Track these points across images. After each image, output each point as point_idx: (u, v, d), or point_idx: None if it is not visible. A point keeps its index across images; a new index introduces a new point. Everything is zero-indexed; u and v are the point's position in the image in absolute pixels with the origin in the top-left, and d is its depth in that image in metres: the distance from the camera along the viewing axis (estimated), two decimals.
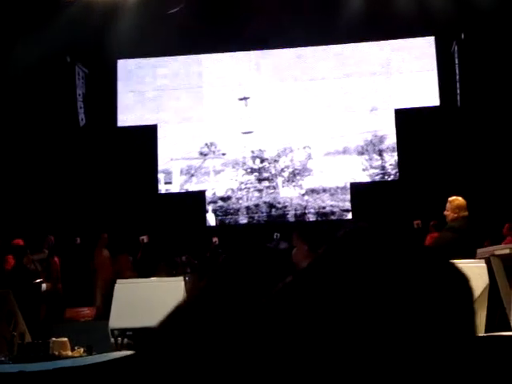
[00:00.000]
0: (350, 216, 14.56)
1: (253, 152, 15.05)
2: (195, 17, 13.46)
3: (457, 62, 14.13)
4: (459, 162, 13.49)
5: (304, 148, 14.88)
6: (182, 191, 15.22)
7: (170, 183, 15.23)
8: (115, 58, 14.99)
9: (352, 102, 14.81)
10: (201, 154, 15.20)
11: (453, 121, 13.84)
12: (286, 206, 14.80)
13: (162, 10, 13.36)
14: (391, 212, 13.30)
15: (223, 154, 15.18)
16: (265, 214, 14.87)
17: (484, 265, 6.11)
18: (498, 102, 13.20)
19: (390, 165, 14.64)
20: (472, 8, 12.61)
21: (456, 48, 14.15)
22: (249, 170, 15.06)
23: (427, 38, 14.57)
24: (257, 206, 14.93)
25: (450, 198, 7.49)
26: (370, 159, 14.73)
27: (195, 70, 15.31)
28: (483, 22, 12.99)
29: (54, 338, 5.52)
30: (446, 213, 7.39)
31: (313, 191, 14.76)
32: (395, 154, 14.62)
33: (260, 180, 14.99)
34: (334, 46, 14.90)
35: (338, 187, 14.68)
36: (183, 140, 15.19)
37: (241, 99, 15.18)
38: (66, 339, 5.54)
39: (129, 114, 15.19)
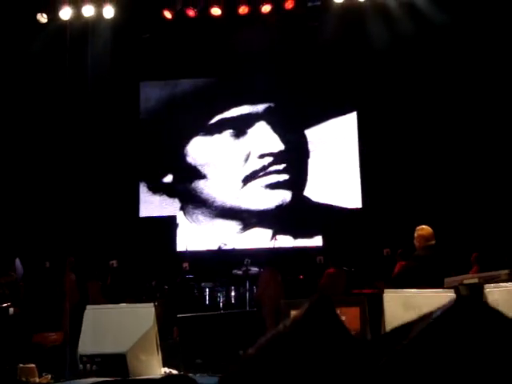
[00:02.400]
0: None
1: None
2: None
3: None
4: (428, 191, 13.65)
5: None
6: (153, 216, 15.18)
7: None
8: None
9: None
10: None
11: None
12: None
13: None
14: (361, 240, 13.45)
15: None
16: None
17: (453, 294, 6.18)
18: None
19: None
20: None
21: None
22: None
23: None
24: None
25: (417, 228, 7.62)
26: None
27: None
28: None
29: (21, 364, 5.46)
30: (414, 242, 7.52)
31: None
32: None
33: None
34: None
35: None
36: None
37: None
38: (33, 365, 5.47)
39: None
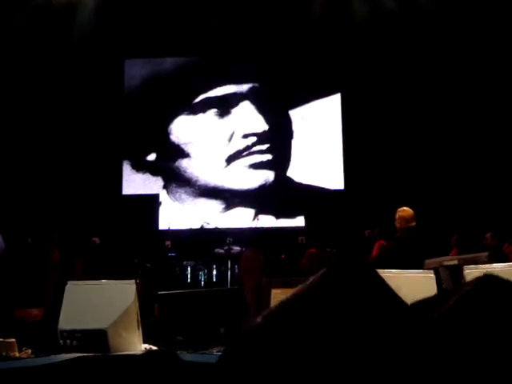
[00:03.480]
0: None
1: None
2: None
3: None
4: (410, 173, 13.72)
5: None
6: (136, 194, 15.18)
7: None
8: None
9: None
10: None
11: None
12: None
13: None
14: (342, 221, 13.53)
15: None
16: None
17: (433, 275, 6.22)
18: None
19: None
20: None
21: None
22: None
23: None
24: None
25: (398, 209, 7.67)
26: None
27: None
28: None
29: (1, 339, 5.47)
30: (395, 223, 7.57)
31: None
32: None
33: None
34: None
35: None
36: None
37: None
38: (13, 340, 5.48)
39: None
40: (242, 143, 15.01)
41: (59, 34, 12.55)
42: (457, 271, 6.45)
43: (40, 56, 13.75)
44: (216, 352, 4.23)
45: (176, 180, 15.18)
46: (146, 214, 14.83)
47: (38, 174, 14.16)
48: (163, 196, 15.14)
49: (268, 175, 14.95)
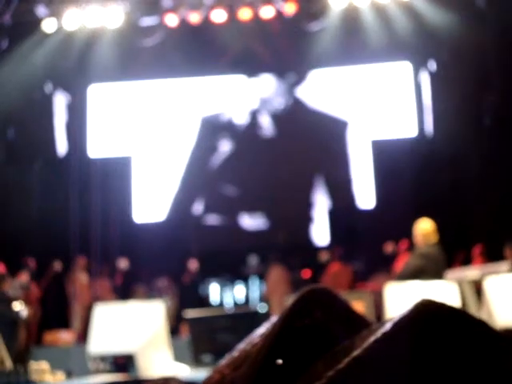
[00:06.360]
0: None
1: None
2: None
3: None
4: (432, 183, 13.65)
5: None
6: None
7: None
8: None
9: None
10: None
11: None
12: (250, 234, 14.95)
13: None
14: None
15: None
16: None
17: (456, 286, 6.27)
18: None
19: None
20: (442, 36, 12.93)
21: (422, 77, 14.50)
22: None
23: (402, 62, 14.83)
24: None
25: (416, 223, 7.63)
26: None
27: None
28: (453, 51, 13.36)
29: (33, 363, 5.58)
30: (415, 236, 7.57)
31: None
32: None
33: None
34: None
35: None
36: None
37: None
38: (45, 364, 5.60)
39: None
40: None
41: None
42: (479, 283, 6.49)
43: None
44: None
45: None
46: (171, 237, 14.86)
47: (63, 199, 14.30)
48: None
49: None
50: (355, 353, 0.72)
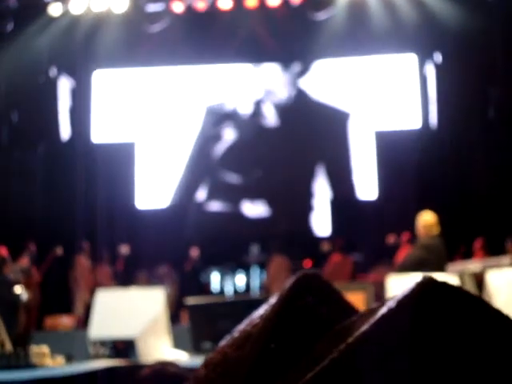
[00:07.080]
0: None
1: None
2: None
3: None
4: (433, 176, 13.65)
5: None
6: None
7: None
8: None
9: None
10: None
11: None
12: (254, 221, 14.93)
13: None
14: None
15: None
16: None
17: (457, 279, 6.27)
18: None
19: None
20: (448, 27, 12.91)
21: (427, 68, 14.46)
22: None
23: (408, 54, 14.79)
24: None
25: (419, 215, 7.62)
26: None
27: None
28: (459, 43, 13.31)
29: (34, 346, 5.60)
30: (418, 229, 7.57)
31: None
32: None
33: None
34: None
35: None
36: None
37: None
38: (46, 348, 5.61)
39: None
40: None
41: None
42: (480, 276, 6.49)
43: None
44: None
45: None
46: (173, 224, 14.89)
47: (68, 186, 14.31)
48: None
49: None
50: (363, 328, 0.72)
